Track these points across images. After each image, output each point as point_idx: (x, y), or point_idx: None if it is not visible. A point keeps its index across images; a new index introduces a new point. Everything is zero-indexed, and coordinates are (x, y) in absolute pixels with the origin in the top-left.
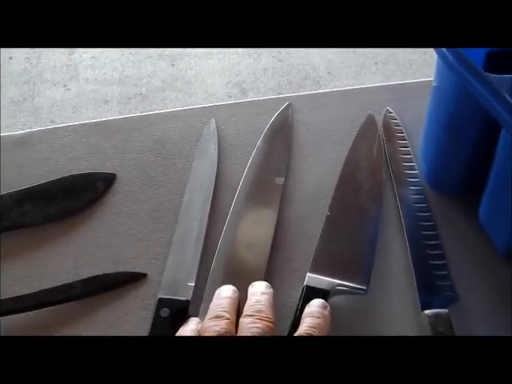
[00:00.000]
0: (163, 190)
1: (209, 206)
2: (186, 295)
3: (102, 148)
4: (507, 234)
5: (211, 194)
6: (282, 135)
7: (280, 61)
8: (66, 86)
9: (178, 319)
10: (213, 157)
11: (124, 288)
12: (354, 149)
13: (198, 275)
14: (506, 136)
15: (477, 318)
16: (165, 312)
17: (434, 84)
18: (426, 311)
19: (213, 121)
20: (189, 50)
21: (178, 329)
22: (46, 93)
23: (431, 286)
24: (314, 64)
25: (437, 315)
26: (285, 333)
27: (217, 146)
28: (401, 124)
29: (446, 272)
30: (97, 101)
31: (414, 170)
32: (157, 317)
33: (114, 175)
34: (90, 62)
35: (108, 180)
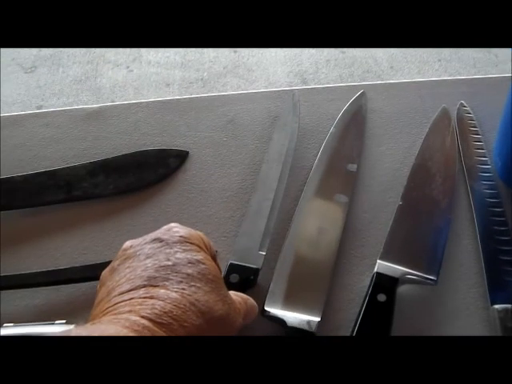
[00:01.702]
0: (235, 170)
1: (286, 179)
2: (256, 263)
3: (175, 125)
4: None
5: (289, 166)
6: (355, 122)
7: (342, 52)
8: (128, 67)
9: (246, 286)
10: (293, 131)
11: None
12: (427, 140)
13: (270, 245)
14: None
15: None
16: (234, 278)
17: None
18: (496, 306)
19: (296, 93)
20: None
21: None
22: (109, 73)
23: (501, 280)
24: (376, 58)
25: (506, 310)
26: (352, 318)
27: (298, 119)
28: (475, 118)
29: None
30: (158, 83)
31: (487, 164)
32: (226, 282)
33: (187, 152)
34: None
35: (180, 157)
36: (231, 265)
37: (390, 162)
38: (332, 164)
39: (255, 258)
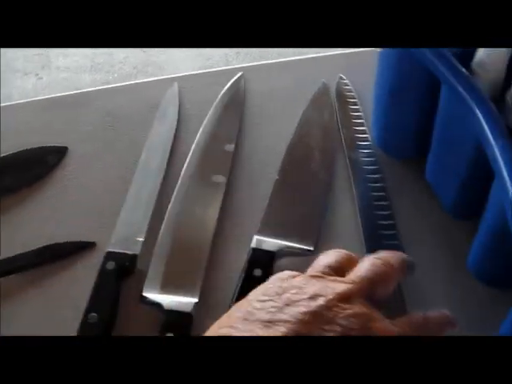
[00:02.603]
0: (113, 161)
1: (164, 166)
2: (133, 249)
3: (54, 123)
4: (453, 193)
5: (168, 155)
6: (234, 104)
7: None
8: (37, 75)
9: (123, 273)
10: (173, 119)
11: (73, 257)
12: (305, 115)
13: (149, 231)
14: (445, 92)
15: (424, 275)
16: (110, 265)
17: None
18: None
19: (175, 85)
20: None
21: (122, 283)
22: (17, 82)
23: (379, 245)
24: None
25: None
26: (230, 295)
27: (177, 109)
28: (354, 91)
29: (394, 232)
30: (68, 89)
31: (365, 134)
32: (102, 270)
33: (66, 148)
34: (62, 50)
35: (59, 153)
36: (108, 253)
37: (268, 140)
38: (209, 146)
39: (133, 245)
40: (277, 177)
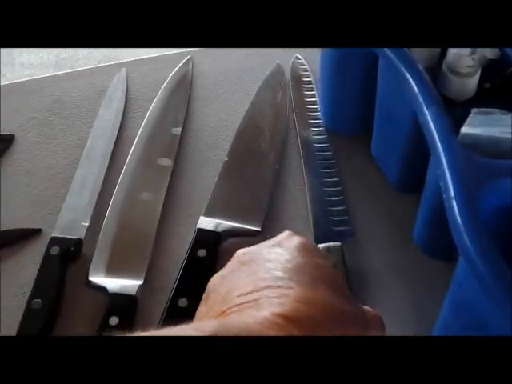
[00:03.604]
0: (60, 148)
1: (110, 152)
2: (78, 234)
3: (2, 111)
4: (396, 168)
5: (113, 141)
6: (181, 87)
7: None
8: (0, 72)
9: (68, 258)
10: (119, 105)
11: (19, 244)
12: (257, 96)
13: (94, 216)
14: (382, 65)
15: (371, 251)
16: (54, 250)
17: None
18: (319, 245)
19: (123, 70)
20: None
21: (68, 268)
22: None
23: (327, 221)
24: None
25: (327, 248)
26: (175, 277)
27: (125, 95)
28: (309, 70)
29: (343, 207)
30: None
31: (317, 112)
32: (46, 255)
33: (13, 136)
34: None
35: (6, 141)
36: (52, 238)
37: (215, 122)
38: (156, 130)
39: (77, 230)
40: (226, 158)
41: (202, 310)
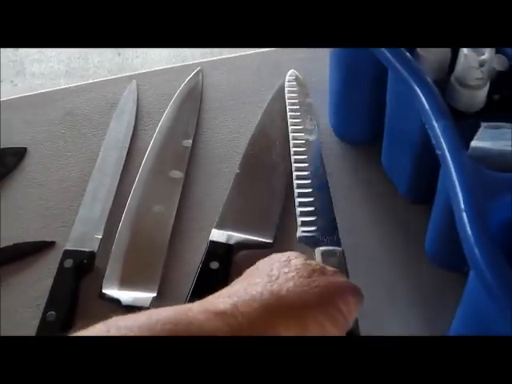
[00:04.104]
0: (73, 160)
1: (122, 164)
2: (91, 247)
3: (12, 124)
4: (406, 179)
5: (125, 153)
6: (191, 99)
7: None
8: (12, 81)
9: (81, 270)
10: (130, 117)
11: (33, 257)
12: (269, 108)
13: (107, 229)
14: (392, 77)
15: (381, 262)
16: (68, 263)
17: None
18: (319, 248)
19: (133, 82)
20: None
21: (82, 280)
22: None
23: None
24: None
25: (328, 252)
26: (188, 289)
27: (135, 107)
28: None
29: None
30: None
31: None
32: (60, 268)
33: (25, 149)
34: (36, 57)
35: (18, 154)
36: (65, 251)
37: (225, 134)
38: (167, 142)
39: (90, 242)
40: (238, 170)
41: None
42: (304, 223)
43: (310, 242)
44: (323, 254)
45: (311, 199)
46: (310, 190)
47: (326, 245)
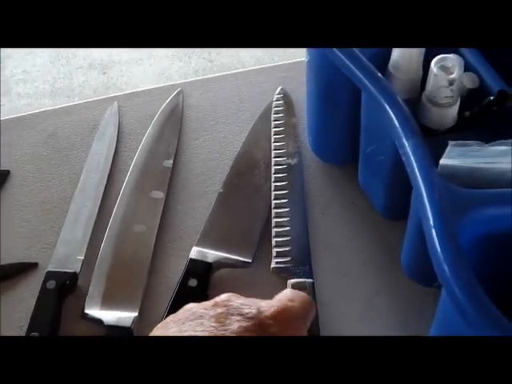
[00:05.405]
0: (55, 182)
1: (103, 186)
2: (73, 268)
3: None
4: (381, 196)
5: (107, 174)
6: (172, 120)
7: (210, 61)
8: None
9: (64, 291)
10: (112, 138)
11: (15, 278)
12: (255, 128)
13: (89, 249)
14: (365, 96)
15: (357, 272)
16: (51, 284)
17: (306, 59)
18: (291, 280)
19: (115, 104)
20: (119, 57)
21: (64, 301)
22: None
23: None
24: (243, 62)
25: (299, 284)
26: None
27: (117, 128)
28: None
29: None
30: None
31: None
32: (43, 289)
33: (8, 171)
34: (21, 77)
35: (1, 176)
36: (48, 272)
37: (206, 153)
38: (148, 163)
39: (73, 263)
40: (221, 190)
41: None
42: (279, 254)
43: (283, 274)
44: (293, 286)
45: (287, 228)
46: (287, 219)
47: (298, 276)
